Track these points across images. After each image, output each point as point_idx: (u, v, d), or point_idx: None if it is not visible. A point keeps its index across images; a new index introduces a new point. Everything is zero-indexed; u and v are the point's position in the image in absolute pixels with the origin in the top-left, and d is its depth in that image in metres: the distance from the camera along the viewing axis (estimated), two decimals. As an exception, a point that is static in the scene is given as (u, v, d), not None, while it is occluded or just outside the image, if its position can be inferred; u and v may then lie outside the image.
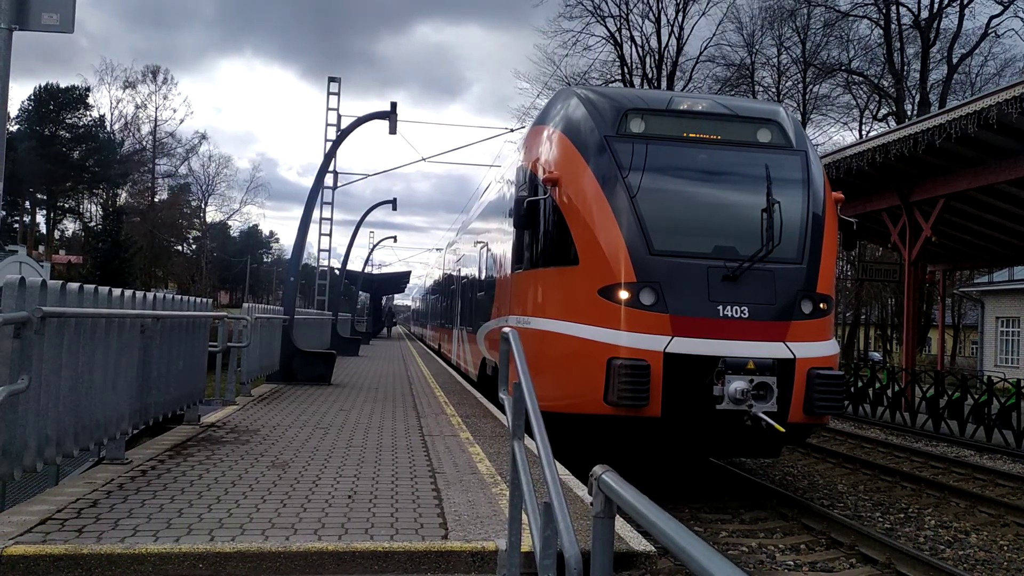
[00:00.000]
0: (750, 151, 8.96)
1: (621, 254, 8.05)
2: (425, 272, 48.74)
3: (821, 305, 8.37)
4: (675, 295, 7.93)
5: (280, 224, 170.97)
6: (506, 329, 4.56)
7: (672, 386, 7.73)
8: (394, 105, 16.35)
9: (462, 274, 19.47)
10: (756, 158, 8.84)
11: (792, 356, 7.99)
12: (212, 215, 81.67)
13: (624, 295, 7.95)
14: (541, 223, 9.28)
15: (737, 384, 7.62)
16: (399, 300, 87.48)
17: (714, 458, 10.77)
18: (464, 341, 17.58)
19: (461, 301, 19.13)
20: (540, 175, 9.34)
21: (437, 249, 42.52)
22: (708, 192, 9.00)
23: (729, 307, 7.96)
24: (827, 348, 8.42)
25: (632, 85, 41.13)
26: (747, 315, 7.98)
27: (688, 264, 8.10)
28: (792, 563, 7.03)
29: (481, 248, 15.38)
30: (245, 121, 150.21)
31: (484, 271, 14.59)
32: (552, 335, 8.57)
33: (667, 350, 7.75)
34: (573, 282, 8.49)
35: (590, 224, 8.34)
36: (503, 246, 11.96)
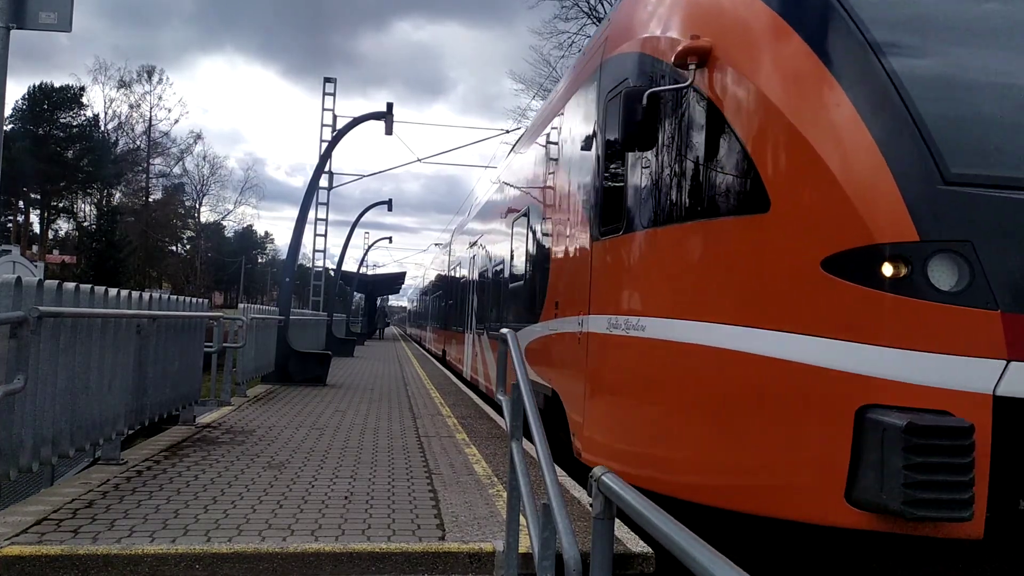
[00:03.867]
0: None
1: (881, 184, 4.03)
2: (423, 271, 48.04)
3: None
4: (1008, 270, 3.93)
5: (270, 224, 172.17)
6: (504, 331, 4.30)
7: (1013, 469, 3.81)
8: (390, 106, 16.36)
9: (480, 262, 14.68)
10: None
11: None
12: (206, 215, 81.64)
13: (888, 270, 3.95)
14: (675, 137, 5.11)
15: None
16: (393, 300, 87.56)
17: None
18: (483, 350, 13.09)
19: (478, 297, 14.60)
20: (668, 50, 5.15)
21: (436, 245, 42.05)
22: None
23: None
24: None
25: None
26: None
27: None
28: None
29: (516, 219, 10.59)
30: (231, 120, 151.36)
31: (523, 250, 9.85)
32: (707, 353, 4.64)
33: (998, 391, 3.81)
34: (757, 246, 4.47)
35: (799, 130, 4.30)
36: (566, 204, 7.44)
